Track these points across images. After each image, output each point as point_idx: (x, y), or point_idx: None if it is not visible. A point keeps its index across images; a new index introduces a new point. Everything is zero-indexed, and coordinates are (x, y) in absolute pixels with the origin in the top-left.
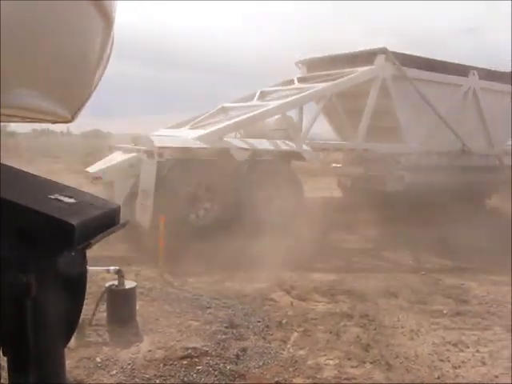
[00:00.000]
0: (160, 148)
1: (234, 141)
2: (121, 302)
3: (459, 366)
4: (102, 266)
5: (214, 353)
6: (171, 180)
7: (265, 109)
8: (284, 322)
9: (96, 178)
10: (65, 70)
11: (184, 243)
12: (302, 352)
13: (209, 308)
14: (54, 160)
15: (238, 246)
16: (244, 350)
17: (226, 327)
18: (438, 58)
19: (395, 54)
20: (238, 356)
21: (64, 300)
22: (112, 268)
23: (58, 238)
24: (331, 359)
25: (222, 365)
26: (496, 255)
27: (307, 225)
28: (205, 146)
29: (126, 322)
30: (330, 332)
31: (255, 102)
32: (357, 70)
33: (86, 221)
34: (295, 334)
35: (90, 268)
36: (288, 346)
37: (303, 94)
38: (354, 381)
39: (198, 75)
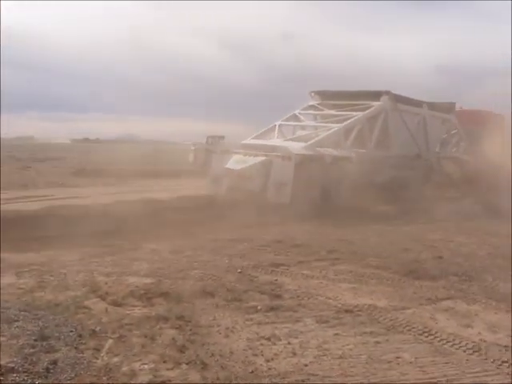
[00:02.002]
0: (297, 154)
1: (322, 149)
2: None
3: (272, 359)
4: None
5: (20, 369)
6: (299, 174)
7: (336, 128)
8: (98, 329)
9: (239, 175)
10: None
11: None
12: (116, 359)
13: (16, 321)
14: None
15: None
16: (55, 362)
17: (35, 340)
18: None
19: (392, 93)
20: (47, 369)
21: None
22: None
23: None
24: (146, 364)
25: (30, 381)
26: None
27: None
28: (312, 153)
29: None
30: (146, 336)
31: (307, 122)
32: (368, 103)
33: None
34: (110, 341)
35: None
36: (102, 354)
37: (355, 118)
38: (169, 383)
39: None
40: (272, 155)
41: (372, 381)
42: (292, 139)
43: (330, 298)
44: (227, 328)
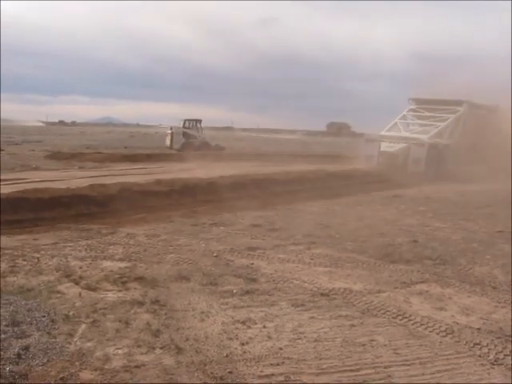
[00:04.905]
0: (428, 143)
1: (437, 139)
2: None
3: (247, 343)
4: None
5: None
6: (429, 154)
7: (449, 121)
8: (71, 314)
9: (392, 154)
10: None
11: None
12: (89, 344)
13: None
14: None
15: None
16: (26, 348)
17: (6, 326)
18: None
19: (470, 101)
20: (19, 355)
21: None
22: None
23: None
24: (120, 348)
25: (0, 367)
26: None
27: None
28: (433, 141)
29: None
30: (120, 321)
31: (418, 120)
32: (454, 108)
33: None
34: (83, 326)
35: None
36: (75, 339)
37: (450, 119)
38: (143, 368)
39: None
40: (410, 143)
41: (347, 363)
42: (415, 132)
43: (305, 282)
44: (202, 312)
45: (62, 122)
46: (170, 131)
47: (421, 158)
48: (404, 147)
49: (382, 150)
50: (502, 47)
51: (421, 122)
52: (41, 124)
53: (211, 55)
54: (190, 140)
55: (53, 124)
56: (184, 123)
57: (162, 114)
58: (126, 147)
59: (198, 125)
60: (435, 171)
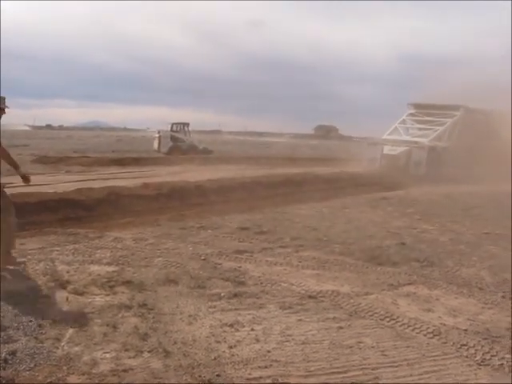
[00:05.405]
0: (428, 145)
1: (436, 142)
2: None
3: (235, 346)
4: None
5: None
6: (429, 157)
7: (447, 125)
8: (58, 318)
9: (394, 157)
10: None
11: None
12: (77, 348)
13: None
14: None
15: None
16: (13, 353)
17: None
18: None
19: (466, 107)
20: (6, 360)
21: None
22: None
23: None
24: (108, 352)
25: None
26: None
27: None
28: (433, 144)
29: None
30: (108, 325)
31: (417, 125)
32: (451, 113)
33: None
34: (70, 331)
35: None
36: (62, 343)
37: (448, 123)
38: (131, 372)
39: None
40: (411, 146)
41: (334, 365)
42: (415, 136)
43: (293, 285)
44: (190, 315)
45: (49, 126)
46: (157, 135)
47: (422, 160)
48: (406, 150)
49: (384, 152)
50: (496, 48)
51: (420, 126)
52: (27, 128)
53: (200, 58)
54: (177, 143)
55: (40, 128)
56: (172, 127)
57: (150, 117)
58: (113, 151)
59: (186, 128)
60: (435, 173)
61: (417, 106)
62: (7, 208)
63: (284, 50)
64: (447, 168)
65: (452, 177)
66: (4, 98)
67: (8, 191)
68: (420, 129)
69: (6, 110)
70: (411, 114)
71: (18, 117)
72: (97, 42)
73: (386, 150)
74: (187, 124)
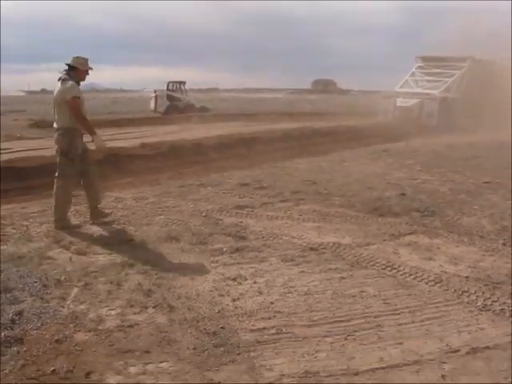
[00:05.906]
0: (440, 97)
1: (447, 94)
2: None
3: (238, 299)
4: None
5: None
6: (441, 108)
7: (456, 76)
8: (63, 278)
9: (407, 108)
10: None
11: None
12: (82, 306)
13: None
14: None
15: None
16: (20, 313)
17: None
18: None
19: (474, 57)
20: (13, 321)
21: None
22: None
23: None
24: (113, 309)
25: None
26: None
27: None
28: (443, 96)
29: None
30: (112, 282)
31: (427, 77)
32: (459, 65)
33: None
34: (75, 290)
35: None
36: (68, 302)
37: (457, 74)
38: (136, 327)
39: None
40: (423, 97)
41: (337, 314)
42: (425, 88)
43: (294, 238)
44: (193, 271)
45: (44, 91)
46: (154, 94)
47: (433, 111)
48: (418, 102)
49: (397, 105)
50: None
51: (429, 78)
52: (22, 94)
53: (195, 15)
54: (174, 102)
55: (35, 93)
56: (168, 86)
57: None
58: (109, 113)
59: (183, 87)
60: (446, 123)
61: (425, 59)
62: (93, 166)
63: (279, 3)
64: (457, 118)
65: (462, 127)
66: (87, 60)
67: (6, 156)
68: (429, 81)
69: (89, 71)
70: (420, 67)
71: (13, 82)
72: (86, 3)
73: (399, 102)
74: (183, 82)
